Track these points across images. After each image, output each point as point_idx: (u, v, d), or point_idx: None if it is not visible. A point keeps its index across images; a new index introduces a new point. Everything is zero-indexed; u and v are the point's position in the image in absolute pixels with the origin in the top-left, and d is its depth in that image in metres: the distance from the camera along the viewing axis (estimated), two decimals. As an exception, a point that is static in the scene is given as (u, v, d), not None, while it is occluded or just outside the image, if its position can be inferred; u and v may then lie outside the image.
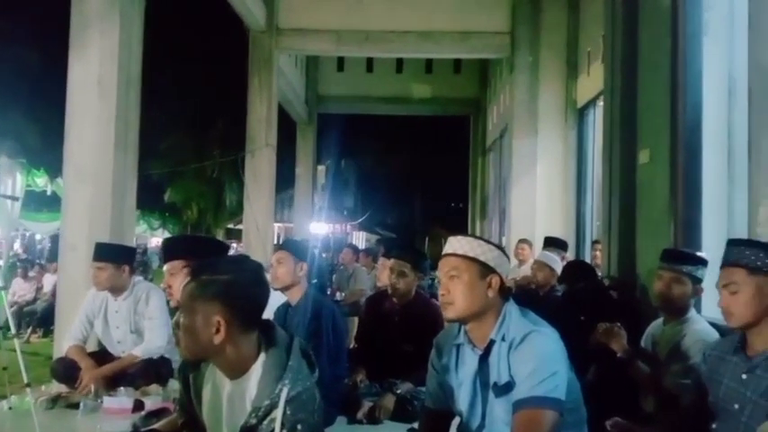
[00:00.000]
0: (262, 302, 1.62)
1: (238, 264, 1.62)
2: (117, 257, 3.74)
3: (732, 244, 2.05)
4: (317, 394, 1.57)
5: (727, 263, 2.02)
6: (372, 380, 3.42)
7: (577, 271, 4.14)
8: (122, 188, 4.65)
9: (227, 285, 1.54)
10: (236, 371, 1.58)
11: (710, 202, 3.67)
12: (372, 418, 3.13)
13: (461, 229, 15.75)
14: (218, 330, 1.52)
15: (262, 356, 1.56)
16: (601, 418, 2.12)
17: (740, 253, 1.98)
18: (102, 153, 4.56)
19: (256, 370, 1.55)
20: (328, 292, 8.10)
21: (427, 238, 19.54)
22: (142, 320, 3.75)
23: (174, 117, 20.47)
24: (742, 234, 3.07)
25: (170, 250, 2.55)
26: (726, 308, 1.99)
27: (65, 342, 3.82)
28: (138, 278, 3.90)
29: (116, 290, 3.74)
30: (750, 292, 1.93)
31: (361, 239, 28.41)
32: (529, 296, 4.72)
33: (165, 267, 2.52)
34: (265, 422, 1.46)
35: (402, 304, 3.52)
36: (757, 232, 2.29)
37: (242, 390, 1.57)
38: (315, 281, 7.46)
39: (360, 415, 3.14)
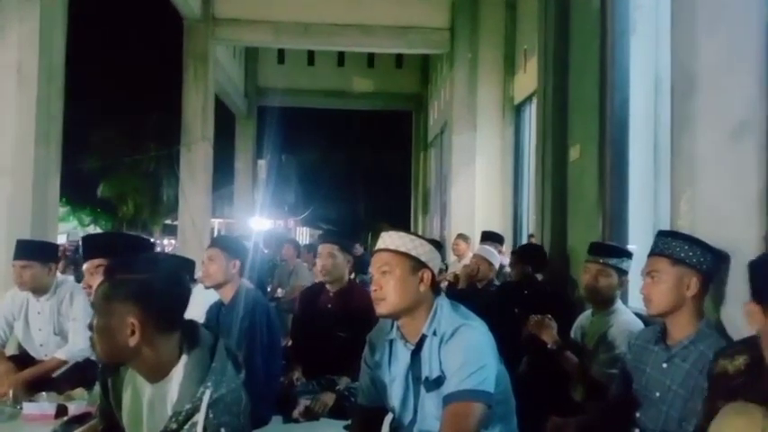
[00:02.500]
0: (180, 303, 1.55)
1: (154, 263, 1.56)
2: (42, 255, 3.55)
3: (660, 235, 2.12)
4: (244, 396, 1.52)
5: (652, 252, 2.09)
6: (310, 376, 3.38)
7: (532, 252, 4.22)
8: (44, 182, 4.42)
9: (141, 285, 1.47)
10: (156, 374, 1.51)
11: (637, 196, 3.81)
12: (310, 415, 3.08)
13: (404, 224, 15.87)
14: (132, 332, 1.45)
15: (183, 358, 1.51)
16: (532, 409, 2.15)
17: (666, 244, 2.05)
18: (21, 145, 4.34)
19: (177, 373, 1.50)
20: (269, 289, 7.98)
21: (371, 234, 19.57)
22: (66, 322, 3.58)
23: (105, 108, 19.68)
24: (665, 227, 3.19)
25: (90, 248, 2.43)
26: (646, 295, 2.06)
27: None
28: (61, 277, 3.71)
29: (40, 290, 3.55)
30: (670, 282, 2.00)
31: (305, 235, 28.18)
32: (466, 289, 4.79)
33: (84, 266, 2.39)
34: (186, 426, 1.41)
35: (335, 292, 3.50)
36: (678, 225, 2.37)
37: (163, 393, 1.51)
38: (254, 276, 7.34)
39: (296, 413, 3.09)
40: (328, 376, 3.28)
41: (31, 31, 4.35)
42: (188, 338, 1.54)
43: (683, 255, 1.99)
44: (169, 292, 1.52)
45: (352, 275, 4.27)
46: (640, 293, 2.12)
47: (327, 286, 3.52)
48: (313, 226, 29.71)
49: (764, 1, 2.18)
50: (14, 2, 4.35)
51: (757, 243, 2.04)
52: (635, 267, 2.85)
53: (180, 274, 1.57)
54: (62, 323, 3.59)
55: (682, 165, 2.41)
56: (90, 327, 1.50)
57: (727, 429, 1.39)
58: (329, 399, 3.15)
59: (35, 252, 3.55)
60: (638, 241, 3.58)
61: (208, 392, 1.43)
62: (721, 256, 2.03)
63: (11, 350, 3.74)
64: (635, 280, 2.75)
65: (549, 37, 4.75)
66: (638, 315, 2.80)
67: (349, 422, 2.82)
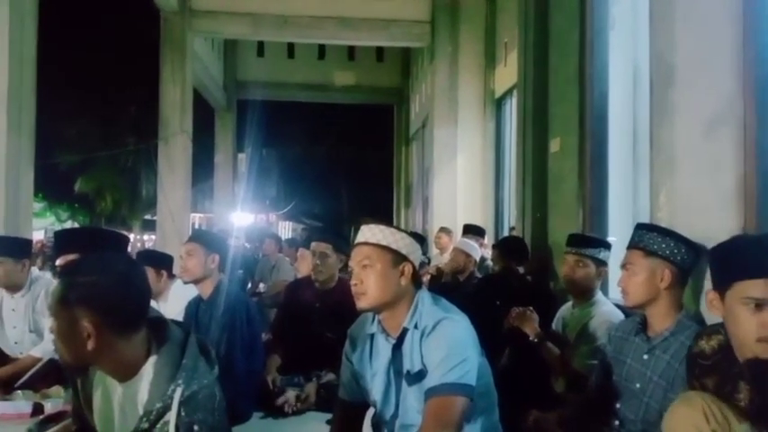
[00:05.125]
0: (136, 304, 1.49)
1: (105, 263, 1.48)
2: (16, 251, 3.48)
3: (636, 228, 2.14)
4: (218, 391, 1.49)
5: (629, 245, 2.11)
6: (294, 370, 3.35)
7: (513, 245, 4.23)
8: (16, 177, 4.32)
9: (90, 288, 1.41)
10: (124, 374, 1.48)
11: (616, 188, 3.84)
12: (300, 404, 3.06)
13: (387, 218, 15.86)
14: (88, 336, 1.40)
15: (153, 357, 1.47)
16: (514, 401, 2.16)
17: (641, 236, 2.07)
18: (-8, 140, 4.21)
19: (147, 371, 1.46)
20: (250, 284, 7.92)
21: (353, 227, 19.53)
22: (41, 319, 3.50)
23: (81, 102, 19.27)
24: (645, 219, 3.22)
25: (63, 244, 2.38)
26: (623, 287, 2.08)
27: None
28: (37, 273, 3.63)
29: (13, 286, 3.48)
30: (644, 274, 2.02)
31: (287, 229, 28.04)
32: (449, 282, 4.80)
33: (57, 262, 2.34)
34: (158, 425, 1.37)
35: (323, 290, 3.45)
36: (657, 217, 2.39)
37: (133, 393, 1.47)
38: (240, 271, 7.26)
39: (280, 401, 3.05)
40: (314, 370, 3.26)
41: (0, 23, 4.22)
42: (156, 336, 1.50)
43: (655, 247, 2.01)
44: (121, 294, 1.45)
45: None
46: (618, 286, 2.14)
47: (315, 283, 3.47)
48: (295, 220, 29.58)
49: (742, -6, 2.20)
50: (-18, -7, 4.23)
51: (735, 234, 2.06)
52: (615, 260, 2.87)
53: (132, 274, 1.50)
54: (37, 320, 3.52)
55: (660, 157, 2.43)
56: (50, 330, 1.46)
57: (675, 418, 1.48)
58: (313, 389, 3.13)
59: (8, 248, 3.48)
60: (619, 233, 3.61)
61: (179, 390, 1.40)
62: (697, 248, 2.04)
63: (-16, 349, 3.66)
64: (616, 272, 2.77)
65: (529, 30, 4.75)
66: (619, 307, 2.82)
67: (332, 416, 2.81)
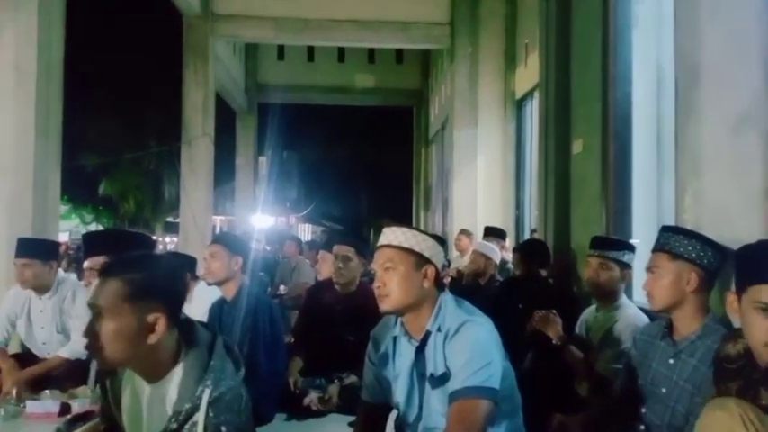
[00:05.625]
0: (182, 299, 1.56)
1: (155, 260, 1.55)
2: (44, 253, 3.54)
3: (662, 230, 2.11)
4: (244, 393, 1.50)
5: (654, 248, 2.08)
6: (315, 372, 3.36)
7: (535, 248, 4.20)
8: (44, 179, 4.39)
9: (152, 282, 1.46)
10: (156, 374, 1.50)
11: (640, 189, 3.79)
12: (323, 405, 3.07)
13: (406, 220, 15.86)
14: (153, 330, 1.44)
15: (182, 357, 1.49)
16: (537, 404, 2.14)
17: (666, 239, 2.04)
18: (21, 143, 4.30)
19: (176, 372, 1.48)
20: (270, 286, 7.96)
21: (372, 230, 19.56)
22: (68, 320, 3.57)
23: (105, 106, 19.61)
24: (670, 221, 3.18)
25: (91, 246, 2.43)
26: (648, 291, 2.06)
27: None
28: (63, 275, 3.70)
29: (42, 288, 3.54)
30: (670, 277, 1.99)
31: (306, 232, 28.17)
32: (470, 285, 4.78)
33: (85, 264, 2.38)
34: (187, 426, 1.39)
35: (345, 294, 3.45)
36: (683, 219, 2.35)
37: (162, 393, 1.49)
38: (262, 273, 7.32)
39: (306, 401, 3.07)
40: (336, 373, 3.26)
41: (29, 28, 4.30)
42: (186, 337, 1.52)
43: (681, 250, 1.98)
44: (176, 287, 1.52)
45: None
46: (643, 290, 2.11)
47: (336, 287, 3.48)
48: (314, 222, 29.72)
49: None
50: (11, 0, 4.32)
51: (762, 237, 2.02)
52: (639, 262, 2.84)
53: (177, 269, 1.56)
54: (64, 321, 3.58)
55: (686, 158, 2.39)
56: (91, 333, 1.45)
57: (709, 423, 1.45)
58: (336, 390, 3.14)
59: (36, 250, 3.54)
60: (643, 236, 3.56)
61: (207, 391, 1.41)
62: (724, 250, 2.01)
63: (13, 348, 3.73)
64: (640, 275, 2.74)
65: (550, 31, 4.72)
66: (644, 310, 2.78)
67: (354, 418, 2.82)
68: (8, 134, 4.31)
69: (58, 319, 3.58)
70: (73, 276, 3.86)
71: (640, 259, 2.85)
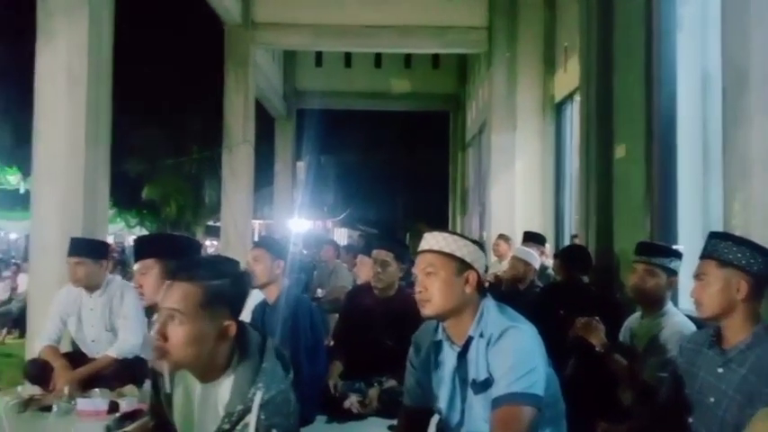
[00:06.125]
0: (244, 303, 1.61)
1: (224, 266, 1.58)
2: (95, 252, 3.68)
3: (710, 237, 2.07)
4: (293, 396, 1.53)
5: (702, 255, 2.04)
6: (354, 377, 3.39)
7: (576, 254, 4.15)
8: (94, 185, 4.53)
9: (227, 289, 1.50)
10: (211, 375, 1.53)
11: (686, 195, 3.71)
12: (363, 408, 3.10)
13: (442, 224, 15.79)
14: (224, 335, 1.48)
15: (235, 359, 1.53)
16: (579, 412, 2.12)
17: (714, 246, 2.00)
18: (72, 149, 4.43)
19: (229, 373, 1.51)
20: (306, 290, 8.05)
21: (408, 234, 19.56)
22: (117, 319, 3.68)
23: (149, 112, 20.15)
24: (717, 227, 3.11)
25: (141, 249, 2.50)
26: (696, 299, 2.02)
27: (38, 343, 3.73)
28: (110, 276, 3.82)
29: (92, 286, 3.66)
30: (718, 285, 1.95)
31: (342, 236, 28.34)
32: (509, 291, 4.74)
33: (135, 267, 2.46)
34: (238, 427, 1.42)
35: (384, 298, 3.46)
36: (732, 225, 2.30)
37: (214, 394, 1.53)
38: (300, 275, 7.43)
39: (346, 404, 3.10)
40: (375, 377, 3.29)
41: (80, 36, 4.42)
42: (238, 339, 1.55)
43: (730, 257, 1.94)
44: (244, 293, 1.57)
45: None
46: (691, 297, 2.07)
47: (375, 291, 3.49)
48: (350, 227, 29.86)
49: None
50: (63, 7, 4.43)
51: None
52: (685, 269, 2.78)
53: (243, 275, 1.60)
54: (113, 320, 3.69)
55: (734, 164, 2.34)
56: (160, 334, 1.47)
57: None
58: (376, 394, 3.16)
59: (88, 249, 3.67)
60: (689, 242, 3.49)
61: (259, 393, 1.44)
62: None
63: (64, 348, 3.84)
64: (686, 282, 2.68)
65: (591, 34, 4.67)
66: (690, 318, 2.72)
67: (394, 422, 2.83)
68: (60, 139, 4.45)
69: (107, 318, 3.68)
70: (118, 278, 3.98)
71: (686, 266, 2.80)
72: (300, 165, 17.32)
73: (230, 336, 1.48)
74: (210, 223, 24.21)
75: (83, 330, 3.75)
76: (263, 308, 3.19)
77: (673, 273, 2.84)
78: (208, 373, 1.53)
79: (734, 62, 2.35)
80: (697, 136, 3.65)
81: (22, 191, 9.74)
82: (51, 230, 4.41)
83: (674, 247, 3.23)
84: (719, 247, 1.98)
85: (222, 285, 1.49)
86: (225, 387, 1.51)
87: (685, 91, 3.76)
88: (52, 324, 3.73)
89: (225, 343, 1.49)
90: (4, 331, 9.33)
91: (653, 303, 2.82)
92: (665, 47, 3.77)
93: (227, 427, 1.44)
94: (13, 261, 12.82)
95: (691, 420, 2.02)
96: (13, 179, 9.25)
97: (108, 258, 3.80)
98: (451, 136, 16.11)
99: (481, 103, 11.21)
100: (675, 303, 3.08)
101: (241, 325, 1.59)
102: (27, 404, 3.30)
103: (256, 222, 21.45)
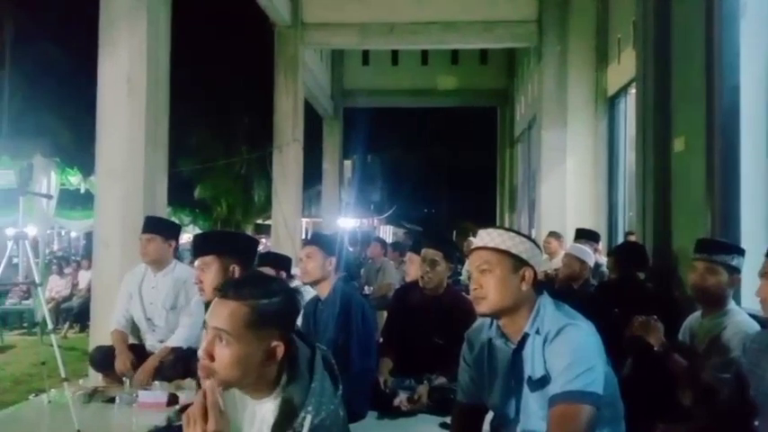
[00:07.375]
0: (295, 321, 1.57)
1: (273, 285, 1.52)
2: (165, 231, 3.84)
3: None
4: (342, 412, 1.49)
5: (768, 252, 1.96)
6: (403, 373, 3.40)
7: (632, 251, 4.03)
8: (153, 185, 4.72)
9: (277, 308, 1.45)
10: (257, 394, 1.50)
11: (749, 190, 3.56)
12: (413, 405, 3.10)
13: (490, 222, 15.65)
14: (273, 356, 1.43)
15: (284, 379, 1.48)
16: (637, 413, 2.07)
17: None
18: (132, 150, 4.63)
19: (277, 394, 1.47)
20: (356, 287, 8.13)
21: (455, 232, 19.45)
22: (181, 301, 3.77)
23: (201, 114, 20.68)
24: (783, 223, 2.98)
25: (201, 245, 2.58)
26: (763, 298, 1.94)
27: (111, 326, 3.86)
28: (175, 261, 3.93)
29: (159, 263, 3.80)
30: None
31: (388, 233, 28.43)
32: (563, 289, 4.65)
33: (195, 263, 2.54)
34: None
35: (432, 296, 3.46)
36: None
37: (261, 412, 1.50)
38: (344, 273, 7.52)
39: (396, 401, 3.11)
40: (425, 374, 3.29)
41: (140, 44, 4.63)
42: (287, 356, 1.48)
43: None
44: (294, 312, 1.51)
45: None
46: (756, 296, 1.99)
47: (424, 289, 3.50)
48: (396, 224, 29.92)
49: None
50: (124, 17, 4.64)
51: None
52: (748, 267, 2.67)
53: (293, 293, 1.54)
54: (176, 300, 3.78)
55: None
56: (206, 353, 1.42)
57: None
58: (425, 390, 3.17)
59: (159, 227, 3.86)
60: (752, 239, 3.35)
61: (309, 418, 1.39)
62: None
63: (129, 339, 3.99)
64: (750, 280, 2.58)
65: (647, 23, 4.52)
66: (754, 317, 2.62)
67: (444, 419, 2.83)
68: (122, 141, 4.65)
69: (171, 297, 3.78)
70: (185, 263, 4.10)
71: (749, 263, 2.69)
72: (347, 163, 17.45)
73: (278, 357, 1.43)
74: (260, 221, 24.69)
75: (141, 307, 3.85)
76: (314, 304, 3.23)
77: (735, 270, 2.73)
78: (255, 392, 1.50)
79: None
80: (761, 127, 3.50)
81: (82, 191, 10.13)
82: (113, 228, 4.62)
83: (737, 244, 3.11)
84: None
85: (271, 305, 1.44)
86: (271, 407, 1.47)
87: (749, 80, 3.60)
88: (121, 308, 3.88)
89: (272, 363, 1.44)
90: (66, 326, 9.75)
91: (714, 302, 2.73)
92: (726, 34, 3.62)
93: None
94: (74, 258, 13.37)
95: (756, 423, 1.94)
96: (74, 180, 9.63)
97: (177, 239, 3.95)
98: (499, 132, 15.95)
99: (530, 98, 11.05)
100: (738, 302, 2.97)
101: (290, 341, 1.52)
102: (92, 395, 3.45)
103: (304, 220, 21.76)
